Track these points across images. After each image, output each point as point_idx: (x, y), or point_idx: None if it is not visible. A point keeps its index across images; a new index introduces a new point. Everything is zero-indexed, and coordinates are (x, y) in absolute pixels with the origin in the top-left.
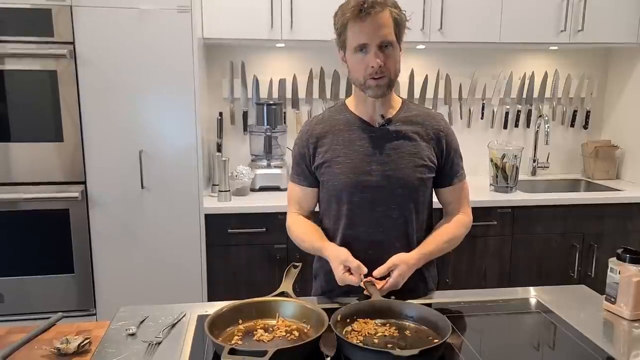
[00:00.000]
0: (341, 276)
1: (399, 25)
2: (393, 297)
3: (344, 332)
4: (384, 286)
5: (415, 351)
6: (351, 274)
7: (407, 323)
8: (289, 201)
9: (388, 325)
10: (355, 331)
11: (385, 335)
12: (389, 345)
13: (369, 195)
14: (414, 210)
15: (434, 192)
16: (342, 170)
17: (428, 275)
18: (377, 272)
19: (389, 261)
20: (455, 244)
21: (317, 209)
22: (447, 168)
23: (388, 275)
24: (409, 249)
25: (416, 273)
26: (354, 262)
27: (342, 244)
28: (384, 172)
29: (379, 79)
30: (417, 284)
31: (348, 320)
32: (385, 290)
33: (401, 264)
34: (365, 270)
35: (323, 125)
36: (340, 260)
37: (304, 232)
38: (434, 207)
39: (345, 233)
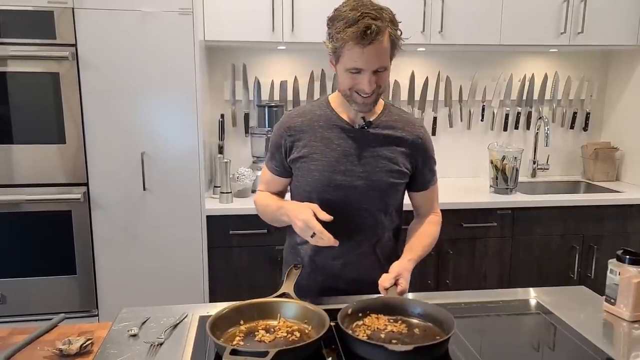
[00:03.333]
0: (306, 217)
1: (395, 46)
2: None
3: (353, 326)
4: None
5: (409, 347)
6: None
7: (417, 321)
8: (261, 181)
9: (400, 322)
10: (366, 325)
11: (392, 331)
12: (394, 341)
13: (341, 194)
14: (383, 213)
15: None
16: (316, 168)
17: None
18: (386, 282)
19: (392, 271)
20: (434, 243)
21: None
22: (422, 174)
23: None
24: (376, 248)
25: (382, 272)
26: (318, 227)
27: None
28: (358, 174)
29: (366, 97)
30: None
31: (360, 314)
32: (399, 294)
33: (404, 271)
34: (336, 242)
35: (303, 119)
36: (310, 206)
37: (269, 199)
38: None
39: None
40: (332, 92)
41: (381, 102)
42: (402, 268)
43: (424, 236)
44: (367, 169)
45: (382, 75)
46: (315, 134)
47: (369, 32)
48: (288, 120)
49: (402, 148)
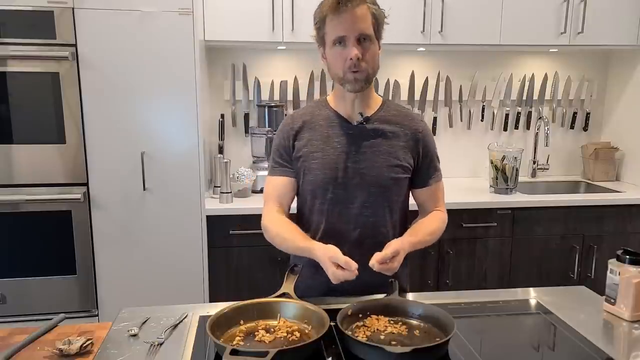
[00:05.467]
0: (333, 273)
1: (378, 20)
2: (384, 295)
3: (353, 327)
4: (382, 267)
5: (407, 349)
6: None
7: (417, 322)
8: (267, 197)
9: (400, 323)
10: (366, 326)
11: (393, 333)
12: (393, 343)
13: (343, 192)
14: (387, 209)
15: (410, 193)
16: (317, 166)
17: (400, 274)
18: (380, 257)
19: (389, 246)
20: (436, 238)
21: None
22: (423, 169)
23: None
24: (382, 247)
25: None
26: (342, 258)
27: (318, 239)
28: (359, 170)
29: (357, 72)
30: (389, 282)
31: (360, 315)
32: (385, 271)
33: (401, 251)
34: (355, 265)
35: (304, 120)
36: (328, 256)
37: (285, 231)
38: (410, 208)
39: (319, 227)
40: (332, 91)
41: (379, 98)
42: (400, 247)
43: (426, 225)
44: (367, 164)
45: (369, 48)
46: (316, 133)
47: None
48: (290, 121)
49: (402, 142)
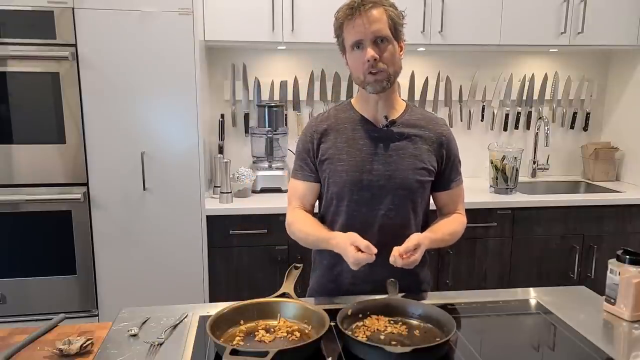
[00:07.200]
0: (354, 255)
1: (394, 22)
2: (402, 294)
3: (353, 327)
4: (405, 261)
5: (407, 349)
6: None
7: (418, 322)
8: (290, 198)
9: (400, 323)
10: (366, 326)
11: (393, 333)
12: (393, 343)
13: (368, 194)
14: (411, 212)
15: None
16: (343, 168)
17: (423, 277)
18: (403, 249)
19: (411, 240)
20: (455, 239)
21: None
22: (446, 173)
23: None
24: None
25: (410, 274)
26: (363, 242)
27: None
28: (385, 172)
29: (377, 74)
30: (410, 286)
31: (360, 315)
32: (407, 265)
33: (422, 244)
34: (375, 249)
35: (328, 123)
36: (350, 240)
37: (307, 226)
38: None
39: (343, 229)
40: (332, 92)
41: (402, 103)
42: (421, 240)
43: (447, 225)
44: (393, 167)
45: (386, 49)
46: (341, 135)
47: (356, 4)
48: (314, 124)
49: (427, 146)
